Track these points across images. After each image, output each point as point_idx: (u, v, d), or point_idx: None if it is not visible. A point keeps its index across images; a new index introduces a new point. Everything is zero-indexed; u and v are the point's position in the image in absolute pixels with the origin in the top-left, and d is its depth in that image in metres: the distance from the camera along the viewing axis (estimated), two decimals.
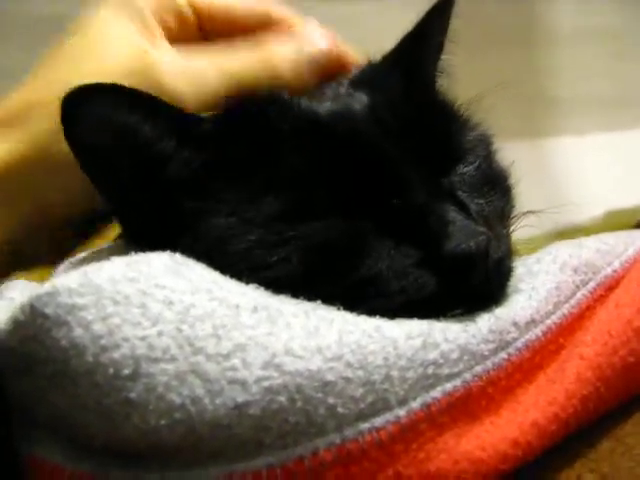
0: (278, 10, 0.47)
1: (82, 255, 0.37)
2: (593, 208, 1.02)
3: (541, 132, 1.24)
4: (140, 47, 0.41)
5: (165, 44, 0.43)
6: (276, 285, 0.31)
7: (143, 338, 0.26)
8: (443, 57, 0.42)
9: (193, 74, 0.40)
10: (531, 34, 1.27)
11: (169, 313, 0.27)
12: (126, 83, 0.34)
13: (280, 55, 0.42)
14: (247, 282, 0.31)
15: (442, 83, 0.42)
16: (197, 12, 0.45)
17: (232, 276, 0.31)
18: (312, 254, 0.33)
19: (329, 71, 0.43)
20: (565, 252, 0.37)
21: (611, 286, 0.37)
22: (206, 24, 0.45)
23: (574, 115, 1.26)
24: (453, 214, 0.33)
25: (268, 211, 0.33)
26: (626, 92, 1.30)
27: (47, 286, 0.27)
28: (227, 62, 0.41)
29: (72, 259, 0.37)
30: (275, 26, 0.45)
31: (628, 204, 0.98)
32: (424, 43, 0.41)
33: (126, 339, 0.26)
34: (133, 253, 0.30)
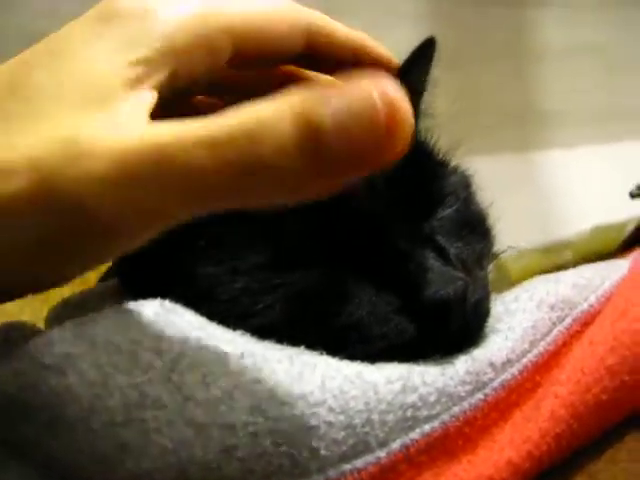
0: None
1: (76, 297, 0.38)
2: (581, 222, 1.03)
3: (530, 145, 1.24)
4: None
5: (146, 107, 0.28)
6: (261, 332, 0.32)
7: (135, 386, 0.28)
8: (425, 98, 0.43)
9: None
10: (520, 48, 1.28)
11: (159, 362, 0.29)
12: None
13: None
14: (234, 329, 0.32)
15: (423, 125, 0.43)
16: (235, 42, 0.32)
17: (220, 322, 0.32)
18: (295, 301, 0.34)
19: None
20: (542, 289, 0.39)
21: (587, 321, 0.38)
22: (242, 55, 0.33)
23: (563, 128, 1.27)
24: (432, 261, 0.35)
25: (254, 260, 0.34)
26: (615, 105, 1.32)
27: (45, 335, 0.28)
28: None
29: (67, 301, 0.38)
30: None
31: (616, 219, 0.99)
32: (406, 86, 0.41)
33: (118, 387, 0.27)
34: (126, 298, 0.31)
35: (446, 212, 0.39)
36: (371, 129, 0.25)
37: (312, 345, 0.32)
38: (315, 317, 0.34)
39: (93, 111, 0.27)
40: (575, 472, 0.34)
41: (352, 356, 0.32)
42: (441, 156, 0.42)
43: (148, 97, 0.29)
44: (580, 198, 1.14)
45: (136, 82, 0.29)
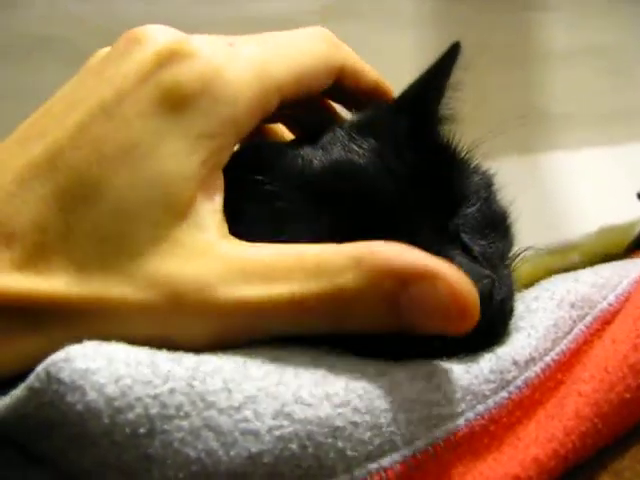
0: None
1: None
2: (586, 224, 1.03)
3: (535, 148, 1.25)
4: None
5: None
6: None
7: (155, 397, 0.27)
8: (446, 102, 0.43)
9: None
10: (524, 51, 1.29)
11: (179, 369, 0.28)
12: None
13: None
14: None
15: (446, 128, 0.43)
16: (282, 97, 0.35)
17: None
18: None
19: None
20: (563, 288, 0.39)
21: (607, 320, 0.38)
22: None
23: (568, 130, 1.27)
24: (459, 258, 0.35)
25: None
26: (619, 107, 1.32)
27: (61, 353, 0.28)
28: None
29: None
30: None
31: (622, 220, 0.99)
32: (431, 89, 0.42)
33: (139, 399, 0.27)
34: None
35: (469, 211, 0.39)
36: (443, 318, 0.30)
37: (334, 345, 0.32)
38: None
39: (183, 228, 0.30)
40: (600, 470, 0.33)
41: (375, 354, 0.32)
42: (463, 156, 0.42)
43: (219, 194, 0.33)
44: (585, 200, 1.14)
45: (208, 179, 0.32)
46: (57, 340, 0.29)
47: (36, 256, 0.30)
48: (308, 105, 0.41)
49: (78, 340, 0.29)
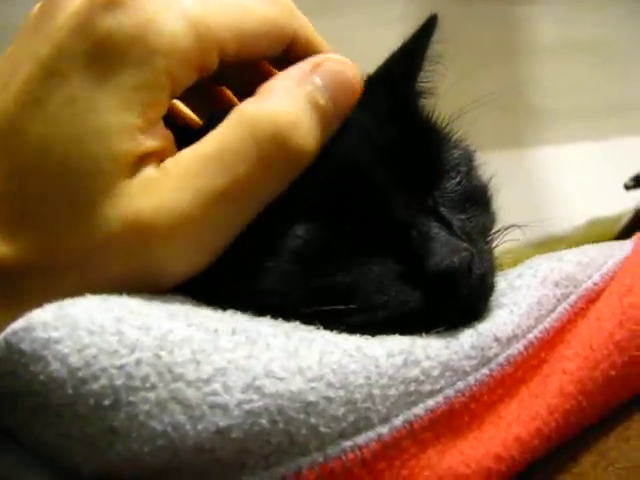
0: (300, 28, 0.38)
1: None
2: (575, 217, 1.03)
3: (523, 142, 1.25)
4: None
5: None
6: (256, 302, 0.32)
7: (121, 367, 0.26)
8: (425, 75, 0.42)
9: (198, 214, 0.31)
10: (513, 46, 1.28)
11: (146, 339, 0.27)
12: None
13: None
14: (227, 297, 0.32)
15: (424, 101, 0.42)
16: (222, 56, 0.34)
17: (213, 290, 0.32)
18: (293, 256, 0.33)
19: None
20: (546, 266, 0.38)
21: (592, 299, 0.37)
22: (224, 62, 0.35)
23: (555, 125, 1.27)
24: (436, 230, 0.34)
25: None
26: (606, 103, 1.32)
27: (22, 321, 0.27)
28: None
29: None
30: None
31: (610, 213, 0.99)
32: (409, 64, 0.41)
33: (104, 369, 0.26)
34: None
35: (449, 185, 0.39)
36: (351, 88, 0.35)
37: (309, 319, 0.31)
38: (313, 276, 0.33)
39: (128, 174, 0.31)
40: (584, 450, 0.32)
41: (352, 329, 0.31)
42: (443, 130, 0.41)
43: (157, 140, 0.32)
44: (573, 193, 1.13)
45: (150, 129, 0.31)
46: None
47: None
48: (255, 71, 0.39)
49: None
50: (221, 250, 0.32)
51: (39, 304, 0.28)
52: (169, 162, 0.32)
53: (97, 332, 0.27)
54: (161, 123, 0.32)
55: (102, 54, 0.31)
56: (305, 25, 0.38)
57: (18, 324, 0.27)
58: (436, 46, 0.42)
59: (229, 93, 0.43)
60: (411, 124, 0.38)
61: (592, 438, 0.33)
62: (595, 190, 1.05)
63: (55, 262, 0.30)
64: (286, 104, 0.33)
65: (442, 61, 0.42)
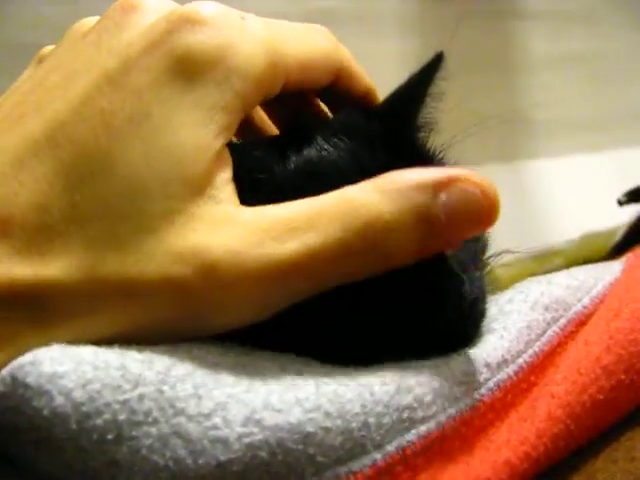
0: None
1: None
2: (569, 230, 1.03)
3: (517, 155, 1.25)
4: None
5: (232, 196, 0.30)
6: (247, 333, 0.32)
7: (124, 402, 0.27)
8: (427, 111, 0.43)
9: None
10: (506, 58, 1.29)
11: (149, 373, 0.28)
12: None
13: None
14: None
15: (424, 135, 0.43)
16: (286, 83, 0.34)
17: None
18: None
19: None
20: (537, 290, 0.38)
21: (582, 322, 0.38)
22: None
23: (550, 138, 1.28)
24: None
25: None
26: (601, 115, 1.32)
27: (29, 355, 0.27)
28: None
29: None
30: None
31: (604, 226, 0.99)
32: (413, 97, 0.41)
33: (107, 404, 0.27)
34: None
35: None
36: (477, 219, 0.30)
37: (301, 349, 0.32)
38: (300, 313, 0.32)
39: (199, 202, 0.29)
40: (572, 472, 0.33)
41: (344, 360, 0.32)
42: (438, 159, 0.41)
43: (230, 167, 0.31)
44: (568, 207, 1.14)
45: (221, 152, 0.30)
46: (63, 338, 0.28)
47: (40, 240, 0.28)
48: (300, 100, 0.40)
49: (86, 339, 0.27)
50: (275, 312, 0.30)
51: (68, 332, 0.28)
52: (252, 210, 0.30)
53: (101, 367, 0.27)
54: (227, 148, 0.31)
55: (180, 71, 0.30)
56: (349, 58, 0.38)
57: (25, 358, 0.27)
58: (440, 83, 0.42)
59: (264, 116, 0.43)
60: (407, 155, 0.38)
61: (580, 460, 0.34)
62: (590, 203, 1.05)
63: (96, 286, 0.28)
64: (391, 205, 0.29)
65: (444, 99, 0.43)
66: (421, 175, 0.30)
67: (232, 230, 0.29)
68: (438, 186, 0.29)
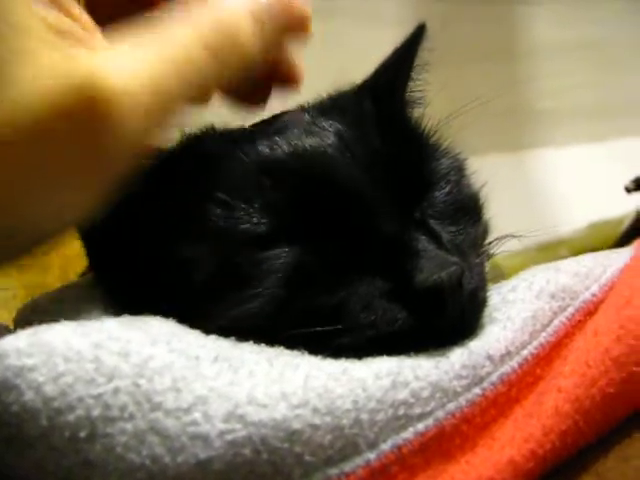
0: None
1: (47, 298, 0.36)
2: (576, 220, 1.02)
3: (522, 144, 1.23)
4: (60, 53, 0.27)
5: (97, 35, 0.32)
6: (239, 328, 0.30)
7: (98, 397, 0.25)
8: (414, 84, 0.41)
9: (149, 79, 0.28)
10: (512, 48, 1.27)
11: (125, 366, 0.26)
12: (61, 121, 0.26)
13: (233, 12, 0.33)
14: (210, 322, 0.30)
15: (413, 110, 0.41)
16: None
17: (196, 316, 0.31)
18: (276, 281, 0.32)
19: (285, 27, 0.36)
20: (542, 278, 0.36)
21: (590, 311, 0.36)
22: None
23: (555, 127, 1.26)
24: (424, 244, 0.32)
25: (236, 237, 0.33)
26: (607, 103, 1.31)
27: None
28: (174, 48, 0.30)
29: (37, 303, 0.35)
30: None
31: (611, 215, 0.97)
32: (398, 73, 0.40)
33: (80, 399, 0.25)
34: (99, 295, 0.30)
35: (438, 195, 0.37)
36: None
37: (294, 343, 0.30)
38: (298, 298, 0.32)
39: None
40: (582, 472, 0.31)
41: (339, 351, 0.30)
42: (433, 139, 0.40)
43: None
44: (574, 196, 1.12)
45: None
46: None
47: None
48: None
49: None
50: (165, 123, 0.29)
51: None
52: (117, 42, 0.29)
53: (74, 359, 0.26)
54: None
55: None
56: None
57: None
58: (424, 55, 0.40)
59: None
60: (398, 134, 0.37)
61: (590, 459, 0.32)
62: (596, 192, 1.04)
63: None
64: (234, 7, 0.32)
65: (431, 67, 0.41)
66: None
67: (108, 50, 0.29)
68: None
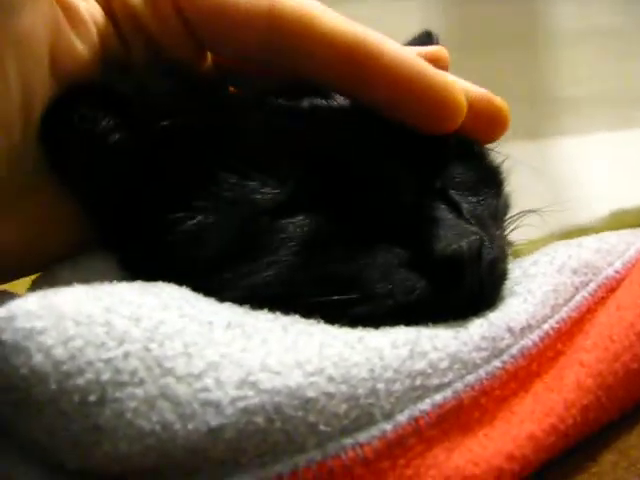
0: None
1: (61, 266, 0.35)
2: (598, 208, 1.00)
3: (545, 132, 1.22)
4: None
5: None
6: (253, 296, 0.30)
7: (108, 361, 0.25)
8: None
9: None
10: (533, 34, 1.26)
11: (136, 330, 0.26)
12: None
13: None
14: (224, 292, 0.30)
15: None
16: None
17: (209, 285, 0.30)
18: (293, 248, 0.31)
19: None
20: (564, 253, 0.35)
21: (612, 287, 0.35)
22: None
23: (578, 115, 1.24)
24: (444, 213, 0.32)
25: (253, 203, 0.32)
26: (629, 91, 1.28)
27: (3, 310, 0.25)
28: None
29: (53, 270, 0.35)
30: None
31: (633, 204, 0.96)
32: None
33: (90, 363, 0.24)
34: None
35: (459, 166, 0.37)
36: None
37: (310, 312, 0.30)
38: (314, 266, 0.31)
39: None
40: (603, 448, 0.30)
41: (355, 321, 0.30)
42: None
43: None
44: (595, 185, 1.11)
45: None
46: None
47: None
48: None
49: None
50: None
51: None
52: None
53: (84, 323, 0.25)
54: None
55: None
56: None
57: (0, 312, 0.25)
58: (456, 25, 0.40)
59: None
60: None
61: (612, 435, 0.31)
62: (619, 180, 1.02)
63: None
64: None
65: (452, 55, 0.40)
66: None
67: None
68: None
